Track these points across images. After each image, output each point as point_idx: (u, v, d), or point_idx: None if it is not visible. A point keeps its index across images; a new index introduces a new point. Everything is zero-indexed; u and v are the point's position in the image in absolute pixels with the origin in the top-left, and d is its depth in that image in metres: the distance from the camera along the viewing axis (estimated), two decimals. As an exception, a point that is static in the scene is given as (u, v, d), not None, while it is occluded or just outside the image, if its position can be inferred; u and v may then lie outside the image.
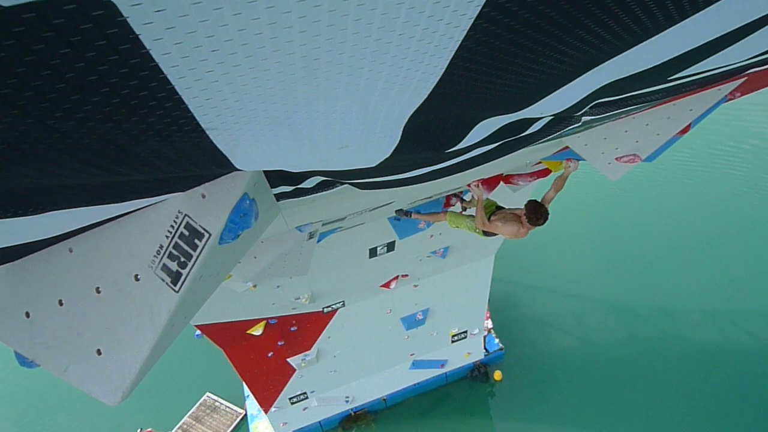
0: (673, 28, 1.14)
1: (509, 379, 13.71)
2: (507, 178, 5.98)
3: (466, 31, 0.81)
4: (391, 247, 7.94)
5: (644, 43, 1.19)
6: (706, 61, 1.79)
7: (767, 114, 20.24)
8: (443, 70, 0.93)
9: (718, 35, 1.37)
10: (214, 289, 1.90)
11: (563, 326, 14.76)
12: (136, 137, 0.84)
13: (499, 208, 5.44)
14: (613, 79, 1.59)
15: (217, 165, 1.19)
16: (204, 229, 1.54)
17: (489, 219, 5.22)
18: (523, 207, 4.84)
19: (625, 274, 15.71)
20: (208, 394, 14.48)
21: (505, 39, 0.88)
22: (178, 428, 13.73)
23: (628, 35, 1.11)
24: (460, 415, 13.32)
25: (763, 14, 1.25)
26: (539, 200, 4.81)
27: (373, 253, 7.95)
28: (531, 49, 0.97)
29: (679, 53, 1.48)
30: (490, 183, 5.97)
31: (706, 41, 1.40)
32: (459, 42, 0.84)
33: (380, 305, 10.14)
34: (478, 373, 13.75)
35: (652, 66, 1.55)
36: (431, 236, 7.94)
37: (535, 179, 6.00)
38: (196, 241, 1.55)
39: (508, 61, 0.99)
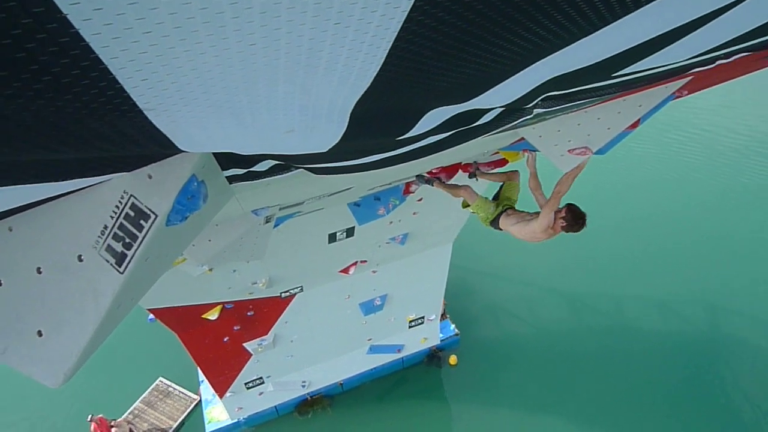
0: (613, 24, 1.18)
1: (464, 364, 14.01)
2: (465, 167, 6.08)
3: (401, 23, 0.83)
4: (350, 232, 7.95)
5: (585, 39, 1.23)
6: (647, 59, 1.86)
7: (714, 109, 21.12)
8: (383, 59, 0.95)
9: (658, 34, 1.43)
10: (164, 271, 1.88)
11: (516, 313, 15.16)
12: (71, 115, 0.84)
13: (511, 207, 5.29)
14: (557, 74, 1.64)
15: (160, 146, 1.18)
16: (150, 210, 1.53)
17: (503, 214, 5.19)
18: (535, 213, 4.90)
19: (576, 264, 16.17)
20: (160, 378, 14.16)
21: (442, 32, 0.90)
22: (129, 413, 13.43)
23: (566, 33, 1.14)
24: (415, 398, 13.53)
25: (702, 14, 1.31)
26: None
27: (332, 238, 7.95)
28: (468, 43, 0.99)
29: (620, 50, 1.54)
30: (449, 171, 6.06)
31: (646, 39, 1.46)
32: (396, 33, 0.86)
33: (339, 291, 10.16)
34: (433, 357, 14.01)
35: (595, 62, 1.61)
36: (390, 223, 8.00)
37: (493, 168, 6.12)
38: (142, 222, 1.54)
39: (446, 53, 1.02)
